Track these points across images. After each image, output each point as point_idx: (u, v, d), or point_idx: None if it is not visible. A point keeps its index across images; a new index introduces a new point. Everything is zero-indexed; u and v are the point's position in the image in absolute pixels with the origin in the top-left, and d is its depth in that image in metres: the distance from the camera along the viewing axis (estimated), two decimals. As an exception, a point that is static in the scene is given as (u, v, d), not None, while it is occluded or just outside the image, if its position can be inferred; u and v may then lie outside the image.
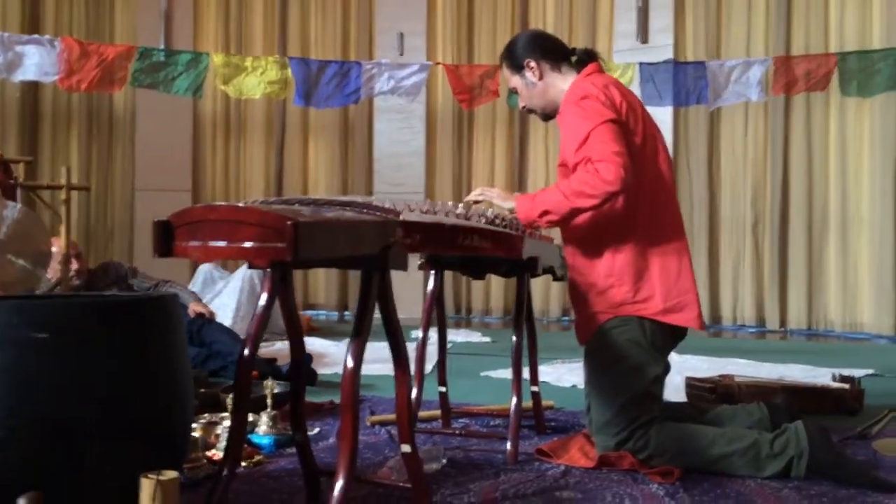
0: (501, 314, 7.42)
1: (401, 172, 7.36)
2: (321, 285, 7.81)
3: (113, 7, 7.55)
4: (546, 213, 2.13)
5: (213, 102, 7.72)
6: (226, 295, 5.15)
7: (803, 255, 6.48)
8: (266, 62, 4.57)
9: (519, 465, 2.22)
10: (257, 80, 4.50)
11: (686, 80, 4.76)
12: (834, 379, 3.20)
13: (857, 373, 3.51)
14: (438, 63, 5.46)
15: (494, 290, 7.48)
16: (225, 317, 4.71)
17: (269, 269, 1.73)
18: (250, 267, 1.74)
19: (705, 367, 4.11)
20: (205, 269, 5.47)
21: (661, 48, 6.43)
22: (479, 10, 7.56)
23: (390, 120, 7.39)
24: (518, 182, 7.36)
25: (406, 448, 1.71)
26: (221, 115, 7.80)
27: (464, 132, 7.64)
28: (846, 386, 3.04)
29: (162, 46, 5.67)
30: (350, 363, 1.58)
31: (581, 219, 2.19)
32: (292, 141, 7.83)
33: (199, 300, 4.14)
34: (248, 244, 1.39)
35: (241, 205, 1.42)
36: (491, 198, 2.26)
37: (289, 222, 1.34)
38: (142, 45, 4.47)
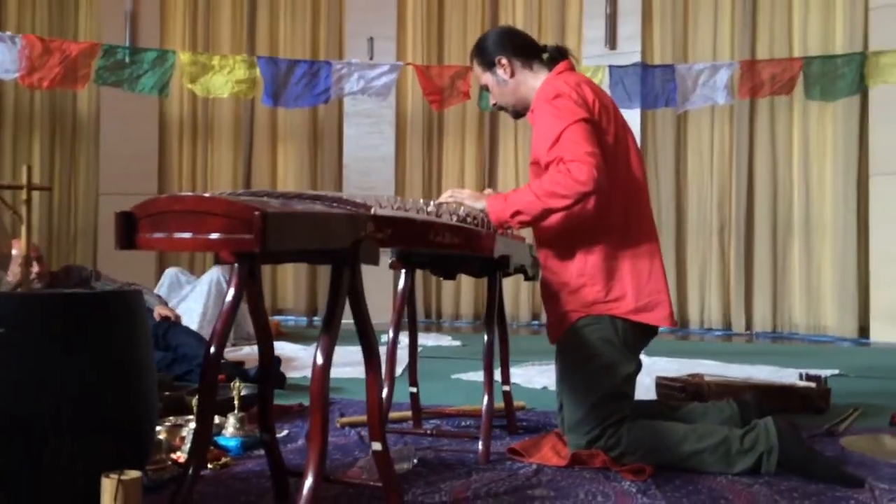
0: (472, 318, 7.41)
1: (370, 177, 7.33)
2: (290, 290, 7.74)
3: (77, 5, 7.44)
4: (518, 213, 2.11)
5: (179, 104, 7.62)
6: (192, 299, 5.07)
7: (768, 259, 6.57)
8: (234, 61, 4.51)
9: (491, 464, 2.20)
10: (225, 79, 4.44)
11: (655, 83, 4.80)
12: (801, 378, 3.23)
13: (824, 373, 3.55)
14: (409, 63, 5.45)
15: (465, 294, 7.47)
16: (191, 321, 4.63)
17: (236, 265, 1.69)
18: (217, 261, 1.70)
19: (674, 368, 4.13)
20: (171, 273, 5.38)
21: (629, 54, 6.49)
22: (449, 17, 7.58)
23: (359, 124, 7.36)
24: (488, 186, 7.37)
25: (377, 446, 1.68)
26: (188, 117, 7.71)
27: (433, 136, 7.64)
28: (813, 385, 3.07)
29: (127, 45, 5.58)
30: (319, 359, 1.54)
31: (553, 219, 2.18)
32: (261, 144, 7.77)
33: (164, 303, 4.07)
34: (214, 236, 1.36)
35: (207, 195, 1.38)
36: (462, 199, 2.22)
37: (256, 213, 1.30)
38: (106, 43, 4.39)
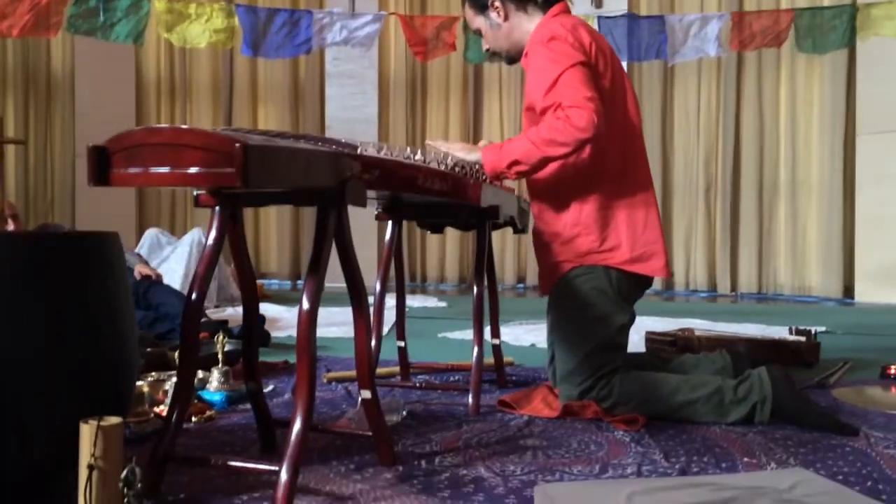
0: (457, 281, 7.38)
1: (353, 139, 7.20)
2: (273, 254, 7.66)
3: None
4: (515, 162, 2.03)
5: (156, 62, 7.45)
6: (173, 260, 4.99)
7: (754, 219, 6.56)
8: (211, 9, 4.36)
9: (481, 416, 2.16)
10: (202, 27, 4.29)
11: (644, 35, 4.71)
12: (790, 332, 3.21)
13: (812, 328, 3.54)
14: (393, 13, 5.32)
15: (449, 256, 7.42)
16: (173, 282, 4.55)
17: (217, 207, 1.62)
18: (196, 203, 1.63)
19: (661, 327, 4.10)
20: (151, 233, 5.28)
21: (615, 11, 6.37)
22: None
23: (342, 85, 7.23)
24: (472, 141, 7.28)
25: (366, 394, 1.64)
26: (166, 75, 7.54)
27: (417, 96, 7.53)
28: (803, 339, 3.06)
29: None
30: (306, 304, 1.48)
31: (548, 168, 2.12)
32: (240, 104, 7.63)
33: (145, 262, 3.99)
34: (192, 170, 1.28)
35: (184, 126, 1.31)
36: (454, 150, 2.15)
37: (238, 144, 1.23)
38: (77, -10, 4.23)
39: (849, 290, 6.14)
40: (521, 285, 7.22)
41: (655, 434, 1.96)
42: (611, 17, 4.88)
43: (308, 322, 1.48)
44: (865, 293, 5.91)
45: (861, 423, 2.07)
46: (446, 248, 7.39)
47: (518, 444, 1.87)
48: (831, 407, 2.27)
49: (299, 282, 7.55)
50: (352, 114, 7.21)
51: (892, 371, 2.76)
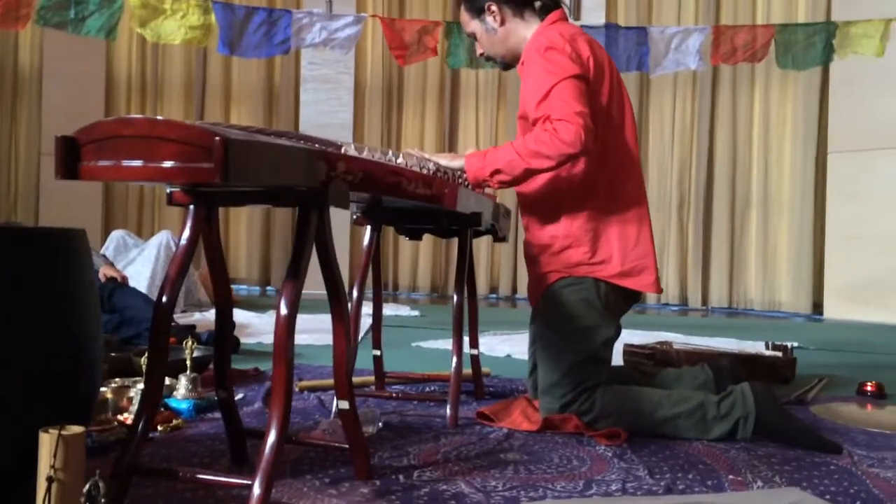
0: (429, 290, 7.31)
1: (334, 139, 7.11)
2: (242, 259, 7.53)
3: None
4: (498, 171, 1.99)
5: (127, 60, 7.31)
6: (140, 262, 4.85)
7: (726, 235, 6.59)
8: (187, 5, 4.25)
9: (459, 428, 2.10)
10: (177, 24, 4.17)
11: (628, 46, 4.70)
12: (767, 347, 3.20)
13: (785, 343, 3.53)
14: (375, 15, 5.24)
15: (422, 265, 7.36)
16: (139, 285, 4.41)
17: (191, 206, 1.54)
18: (169, 201, 1.55)
19: (634, 340, 4.08)
20: (117, 235, 5.14)
21: (593, 22, 6.38)
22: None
23: (317, 90, 7.15)
24: (447, 149, 7.24)
25: (344, 405, 1.57)
26: (137, 74, 7.40)
27: (393, 103, 7.47)
28: (779, 354, 3.05)
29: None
30: (284, 310, 1.41)
31: (539, 181, 2.08)
32: (213, 106, 7.50)
33: (111, 264, 3.87)
34: (168, 164, 1.21)
35: (160, 118, 1.23)
36: (438, 159, 2.10)
37: (217, 138, 1.17)
38: (49, -20, 4.09)
39: (818, 307, 6.18)
40: (494, 295, 7.18)
41: (638, 449, 1.92)
42: (593, 27, 4.87)
43: (286, 328, 1.41)
44: (834, 309, 5.96)
45: (843, 440, 2.05)
46: (419, 256, 7.33)
47: (499, 459, 1.82)
48: (811, 423, 2.24)
49: (269, 287, 7.43)
50: (326, 119, 7.12)
51: (868, 388, 2.76)
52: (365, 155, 1.77)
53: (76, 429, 1.24)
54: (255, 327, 4.20)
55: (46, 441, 1.21)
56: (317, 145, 1.56)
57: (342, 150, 1.60)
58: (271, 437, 1.35)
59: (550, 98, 1.93)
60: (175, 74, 7.49)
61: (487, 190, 2.44)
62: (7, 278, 1.25)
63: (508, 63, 2.25)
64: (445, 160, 2.08)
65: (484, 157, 2.02)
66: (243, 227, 7.55)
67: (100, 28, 4.11)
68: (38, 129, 6.93)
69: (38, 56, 6.89)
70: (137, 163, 1.22)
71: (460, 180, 2.09)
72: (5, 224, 3.79)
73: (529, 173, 1.98)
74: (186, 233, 1.51)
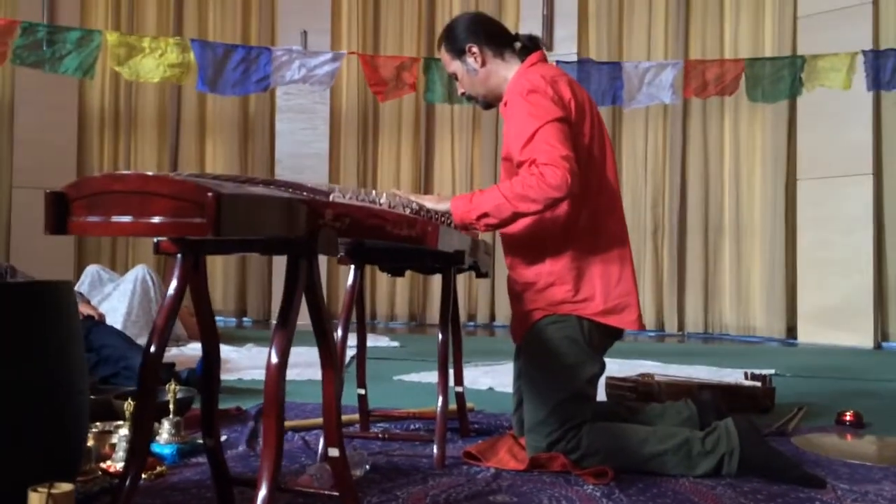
0: (406, 319, 7.30)
1: (303, 174, 7.12)
2: (218, 290, 7.46)
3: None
4: (485, 215, 2.00)
5: (100, 92, 7.27)
6: (115, 298, 4.80)
7: (700, 261, 6.68)
8: (166, 44, 4.25)
9: (447, 469, 2.09)
10: (156, 62, 4.17)
11: (602, 80, 4.79)
12: (746, 377, 3.24)
13: (763, 372, 3.58)
14: (354, 52, 5.28)
15: (399, 295, 7.35)
16: (114, 321, 4.37)
17: (179, 255, 1.54)
18: (156, 251, 1.54)
19: (616, 368, 4.09)
20: (91, 270, 5.08)
21: (565, 55, 6.50)
22: (385, 13, 7.46)
23: (292, 119, 7.16)
24: (423, 184, 7.28)
25: (334, 452, 1.56)
26: (110, 106, 7.35)
27: (368, 134, 7.50)
28: (758, 384, 3.08)
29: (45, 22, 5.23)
30: (275, 358, 1.40)
31: (522, 223, 2.11)
32: (187, 138, 7.48)
33: (86, 301, 3.82)
34: (158, 219, 1.21)
35: (151, 174, 1.23)
36: (422, 202, 2.11)
37: (210, 194, 1.17)
38: (25, 21, 4.07)
39: (791, 331, 6.27)
40: (472, 323, 7.19)
41: (625, 488, 1.92)
42: (568, 62, 4.95)
43: (277, 377, 1.40)
44: (807, 333, 6.05)
45: (825, 473, 2.07)
46: (397, 286, 7.32)
47: (488, 501, 1.81)
48: (794, 456, 2.26)
49: (245, 319, 7.37)
50: (302, 149, 7.14)
51: (847, 418, 2.79)
52: (349, 197, 1.78)
53: (65, 486, 1.23)
54: (234, 362, 4.17)
55: (36, 500, 1.19)
56: (305, 193, 1.56)
57: (330, 198, 1.60)
58: (263, 490, 1.33)
59: (535, 141, 1.96)
60: (148, 106, 7.46)
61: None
62: (-6, 335, 1.24)
63: (490, 102, 2.28)
64: (431, 203, 2.10)
65: (470, 200, 2.04)
66: (219, 257, 7.49)
67: (77, 67, 4.10)
68: (9, 162, 6.85)
69: (9, 88, 6.84)
70: (127, 218, 1.21)
71: (443, 219, 2.11)
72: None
73: (517, 216, 2.00)
74: (174, 283, 1.51)
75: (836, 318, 5.87)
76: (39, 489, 1.19)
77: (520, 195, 1.93)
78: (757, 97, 4.83)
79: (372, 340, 5.45)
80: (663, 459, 2.05)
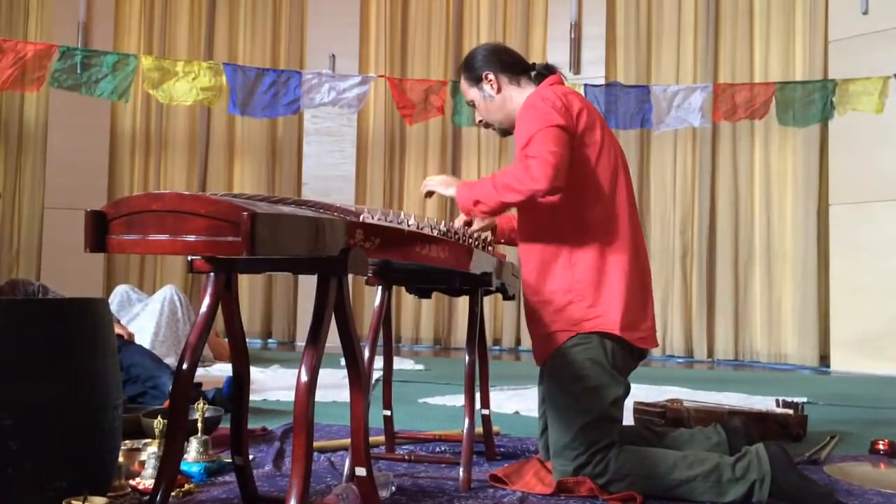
0: (431, 343, 7.29)
1: (330, 196, 7.17)
2: (244, 312, 7.49)
3: (27, 12, 7.18)
4: (478, 202, 2.08)
5: (132, 115, 7.40)
6: (144, 318, 4.85)
7: (730, 287, 6.60)
8: (199, 67, 4.35)
9: (473, 492, 2.08)
10: (189, 85, 4.26)
11: (630, 103, 4.80)
12: (777, 405, 3.18)
13: (795, 400, 3.52)
14: (383, 76, 5.34)
15: (424, 317, 7.35)
16: (142, 341, 4.42)
17: (212, 274, 1.56)
18: (190, 269, 1.56)
19: (642, 394, 4.06)
20: (121, 290, 5.15)
21: (593, 79, 6.52)
22: (413, 36, 7.54)
23: (320, 142, 7.23)
24: (449, 205, 7.29)
25: (361, 472, 1.56)
26: (141, 129, 7.48)
27: (395, 157, 7.54)
28: (790, 412, 3.03)
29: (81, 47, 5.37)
30: (304, 377, 1.42)
31: (537, 238, 2.13)
32: (216, 160, 7.57)
33: (117, 321, 3.86)
34: (193, 237, 1.23)
35: (187, 193, 1.26)
36: (435, 185, 2.21)
37: (245, 213, 1.19)
38: (63, 45, 4.17)
39: (824, 359, 6.16)
40: (497, 347, 7.16)
41: (655, 514, 1.90)
42: (595, 84, 4.96)
43: (306, 397, 1.41)
44: (841, 362, 5.94)
45: (859, 502, 2.03)
46: (422, 308, 7.32)
47: (515, 525, 1.79)
48: (827, 485, 2.22)
49: (270, 340, 7.41)
50: (329, 171, 7.20)
51: (881, 446, 2.74)
52: (378, 218, 1.79)
53: (99, 500, 1.24)
54: (260, 383, 4.18)
55: (69, 514, 1.20)
56: (335, 213, 1.58)
57: (360, 218, 1.62)
58: (292, 509, 1.34)
59: (531, 143, 2.01)
60: (178, 129, 7.57)
61: (500, 248, 2.47)
62: (34, 348, 1.26)
63: (506, 129, 2.33)
64: (441, 186, 2.20)
65: (470, 188, 2.12)
66: (245, 278, 7.55)
67: (112, 91, 4.20)
68: (41, 183, 6.99)
69: (43, 110, 6.99)
70: (164, 237, 1.24)
71: (472, 240, 2.12)
72: (11, 284, 3.76)
73: (503, 206, 2.07)
74: (206, 300, 1.53)
75: (871, 346, 5.76)
76: (74, 501, 1.20)
77: (504, 184, 2.01)
78: (788, 121, 4.81)
79: (397, 363, 5.42)
80: (692, 485, 2.01)
